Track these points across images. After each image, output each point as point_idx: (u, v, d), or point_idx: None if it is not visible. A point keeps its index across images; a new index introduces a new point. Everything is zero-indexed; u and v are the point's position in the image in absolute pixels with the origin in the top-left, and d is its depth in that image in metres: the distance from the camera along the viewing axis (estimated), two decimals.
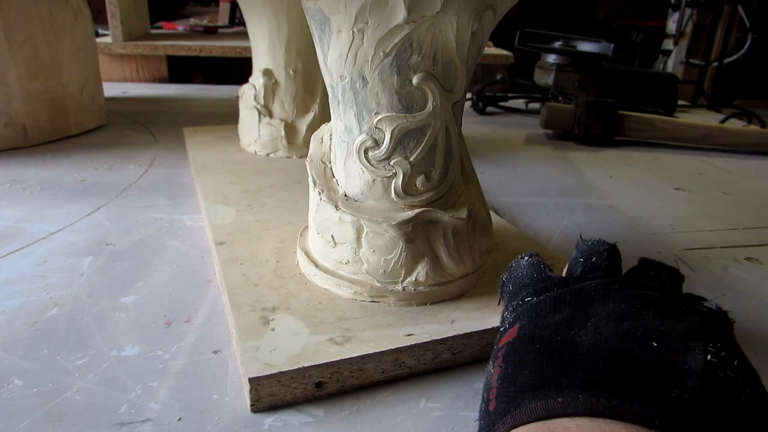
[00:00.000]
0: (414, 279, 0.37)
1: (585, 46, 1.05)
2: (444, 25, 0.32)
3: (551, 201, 0.63)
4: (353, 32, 0.32)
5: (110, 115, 0.93)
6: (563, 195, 0.65)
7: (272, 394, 0.31)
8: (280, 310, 0.36)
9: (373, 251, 0.37)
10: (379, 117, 0.35)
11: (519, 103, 1.17)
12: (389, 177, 0.36)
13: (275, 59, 0.68)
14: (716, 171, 0.78)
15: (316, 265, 0.39)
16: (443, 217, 0.36)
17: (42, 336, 0.37)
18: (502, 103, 1.14)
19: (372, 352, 0.32)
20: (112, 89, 1.15)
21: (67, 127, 0.82)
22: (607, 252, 0.30)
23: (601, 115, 0.86)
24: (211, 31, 1.55)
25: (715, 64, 1.88)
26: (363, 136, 0.35)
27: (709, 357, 0.21)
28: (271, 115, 0.70)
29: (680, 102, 1.18)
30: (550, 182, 0.70)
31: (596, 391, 0.20)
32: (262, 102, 0.69)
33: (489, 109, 1.12)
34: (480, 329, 0.35)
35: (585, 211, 0.61)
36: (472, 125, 1.01)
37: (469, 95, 1.18)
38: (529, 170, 0.75)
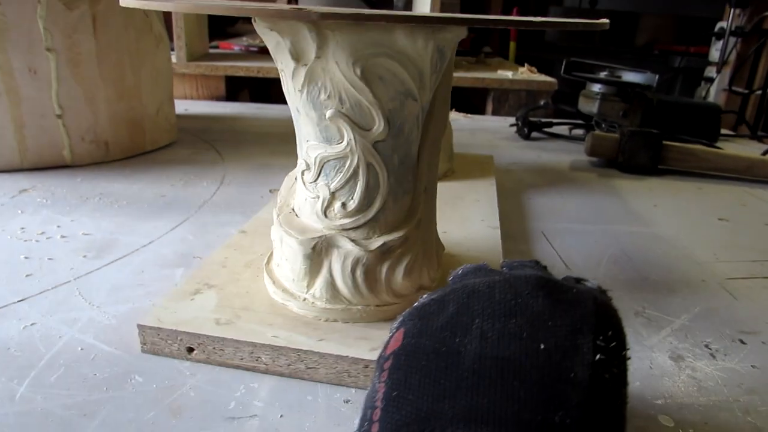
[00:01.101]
0: (313, 293, 0.41)
1: (630, 77, 1.08)
2: (332, 70, 0.35)
3: (598, 228, 0.67)
4: (280, 71, 0.38)
5: (178, 132, 1.00)
6: (609, 222, 0.69)
7: (154, 343, 0.40)
8: (214, 290, 0.44)
9: (286, 259, 0.42)
10: (308, 144, 0.39)
11: (563, 129, 1.20)
12: (314, 198, 0.40)
13: None
14: (759, 202, 0.80)
15: (267, 263, 0.46)
16: (347, 244, 0.39)
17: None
18: (546, 129, 1.17)
19: (231, 338, 0.38)
20: (175, 106, 1.22)
21: (143, 144, 0.88)
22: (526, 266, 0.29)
23: (645, 145, 0.89)
24: (264, 51, 1.63)
25: (759, 92, 1.88)
26: (301, 160, 0.41)
27: (597, 356, 0.21)
28: None
29: (722, 131, 1.20)
30: (596, 209, 0.74)
31: (479, 425, 0.19)
32: None
33: (533, 134, 1.16)
34: (335, 353, 0.37)
35: (631, 238, 0.64)
36: (517, 150, 1.05)
37: (513, 120, 1.22)
38: (575, 197, 0.78)
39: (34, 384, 0.36)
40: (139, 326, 0.40)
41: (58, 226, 0.60)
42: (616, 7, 3.03)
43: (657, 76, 1.03)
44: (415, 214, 0.41)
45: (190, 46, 1.37)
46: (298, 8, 0.32)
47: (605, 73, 1.10)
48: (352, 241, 0.39)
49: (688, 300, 0.51)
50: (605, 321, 0.23)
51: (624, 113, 1.07)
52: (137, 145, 0.87)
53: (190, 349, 0.39)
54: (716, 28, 1.98)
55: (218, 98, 1.42)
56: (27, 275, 0.50)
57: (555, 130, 1.19)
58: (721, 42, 1.92)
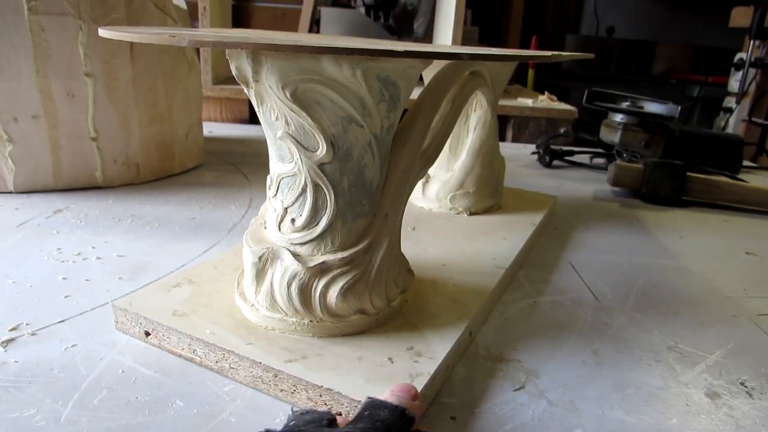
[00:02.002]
0: (258, 300, 0.43)
1: (652, 107, 1.09)
2: (270, 93, 0.37)
3: (625, 259, 0.67)
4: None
5: (204, 154, 1.01)
6: (636, 254, 0.69)
7: (122, 323, 0.46)
8: (192, 286, 0.49)
9: (244, 263, 0.45)
10: (271, 161, 0.43)
11: (583, 157, 1.21)
12: (273, 212, 0.43)
13: None
14: None
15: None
16: (288, 258, 0.41)
17: (191, 363, 0.43)
18: (567, 158, 1.18)
19: (176, 328, 0.42)
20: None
21: (171, 167, 0.90)
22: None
23: (669, 176, 0.90)
24: None
25: None
26: (268, 175, 0.44)
27: None
28: None
29: (743, 162, 1.20)
30: (621, 240, 0.74)
31: None
32: None
33: (554, 162, 1.16)
34: (252, 358, 0.39)
35: (659, 271, 0.64)
36: (539, 178, 1.05)
37: (534, 148, 1.23)
38: (601, 227, 0.78)
39: (79, 406, 0.37)
40: (113, 306, 0.46)
41: (93, 247, 0.62)
42: (632, 36, 3.04)
43: (679, 108, 1.04)
44: (366, 238, 0.42)
45: (215, 69, 1.39)
46: (239, 38, 0.34)
47: (627, 103, 1.11)
48: (295, 255, 0.41)
49: (720, 335, 0.51)
50: None
51: (646, 143, 1.08)
52: (166, 168, 0.89)
53: (147, 333, 0.44)
54: (735, 59, 1.99)
55: (241, 121, 1.44)
56: (66, 296, 0.51)
57: (576, 158, 1.19)
58: (740, 72, 1.92)
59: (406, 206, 0.70)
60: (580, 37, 3.14)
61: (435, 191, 0.73)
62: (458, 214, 0.72)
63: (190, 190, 0.84)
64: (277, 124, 0.39)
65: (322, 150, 0.38)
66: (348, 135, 0.39)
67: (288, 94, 0.36)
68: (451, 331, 0.43)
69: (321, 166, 0.39)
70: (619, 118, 1.09)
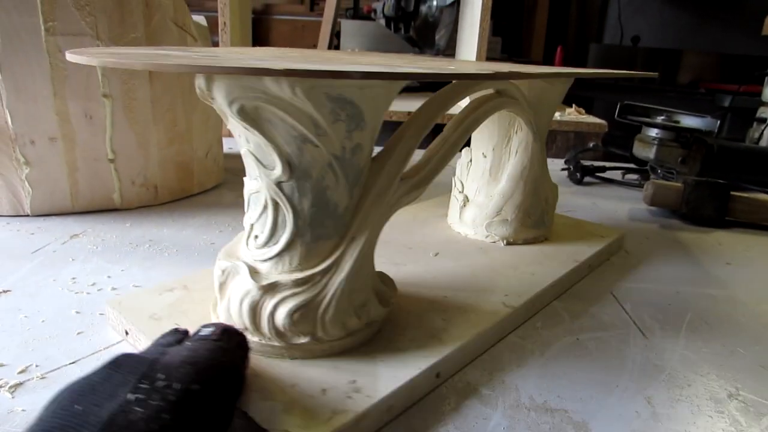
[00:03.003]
0: (219, 313, 0.43)
1: (689, 121, 1.04)
2: (224, 111, 0.37)
3: (670, 289, 0.63)
4: None
5: (224, 173, 0.99)
6: (681, 283, 0.65)
7: (110, 319, 0.49)
8: (184, 292, 0.51)
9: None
10: (246, 177, 0.42)
11: (614, 173, 1.16)
12: (244, 229, 0.43)
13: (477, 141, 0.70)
14: None
15: None
16: (244, 275, 0.40)
17: None
18: (598, 174, 1.14)
19: (144, 331, 0.44)
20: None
21: (190, 187, 0.88)
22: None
23: (711, 196, 0.85)
24: None
25: None
26: None
27: (132, 396, 0.27)
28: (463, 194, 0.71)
29: None
30: (664, 266, 0.69)
31: None
32: (462, 180, 0.71)
33: (585, 179, 1.12)
34: None
35: (708, 303, 0.60)
36: (571, 196, 1.01)
37: (563, 164, 1.19)
38: (640, 251, 0.74)
39: None
40: (107, 302, 0.49)
41: (109, 277, 0.59)
42: (658, 44, 2.99)
43: (718, 122, 0.99)
44: (325, 262, 0.40)
45: None
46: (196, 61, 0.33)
47: (662, 117, 1.06)
48: (253, 272, 0.40)
49: None
50: (160, 369, 0.30)
51: (683, 159, 1.03)
52: (185, 189, 0.87)
53: (126, 332, 0.47)
54: None
55: None
56: (78, 333, 0.48)
57: (607, 174, 1.15)
58: None
59: (439, 230, 0.66)
60: (604, 46, 3.08)
61: (472, 217, 0.68)
62: (494, 242, 0.67)
63: (209, 211, 0.82)
64: (240, 142, 0.39)
65: (278, 168, 0.38)
66: (304, 155, 0.38)
67: (235, 111, 0.36)
68: (408, 370, 0.40)
69: (279, 184, 0.39)
70: (654, 132, 1.05)
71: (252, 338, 0.41)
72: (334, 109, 0.36)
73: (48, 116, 0.71)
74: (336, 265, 0.40)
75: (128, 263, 0.63)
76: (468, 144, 0.69)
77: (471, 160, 0.70)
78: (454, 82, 0.48)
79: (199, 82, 0.37)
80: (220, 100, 0.36)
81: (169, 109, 0.80)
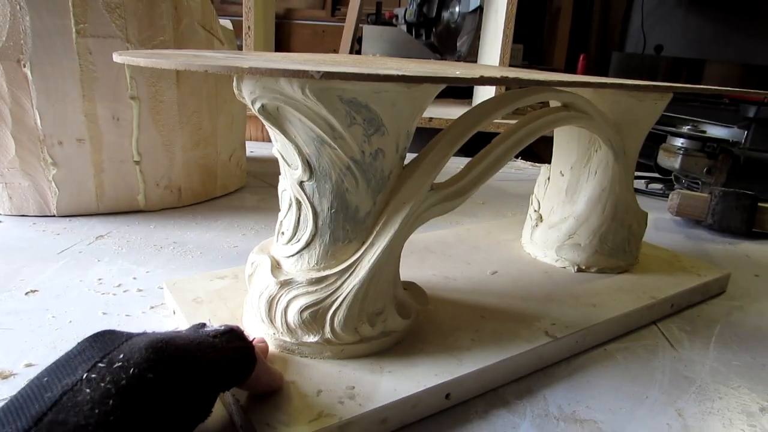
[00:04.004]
0: (246, 302, 0.46)
1: (715, 131, 1.03)
2: (251, 110, 0.38)
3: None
4: None
5: (246, 176, 0.99)
6: None
7: (162, 298, 0.54)
8: (237, 279, 0.54)
9: None
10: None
11: (638, 182, 1.15)
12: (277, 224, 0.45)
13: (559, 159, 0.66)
14: None
15: None
16: (265, 270, 0.42)
17: None
18: None
19: (183, 312, 0.47)
20: None
21: (213, 190, 0.88)
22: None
23: (738, 207, 0.84)
24: None
25: None
26: None
27: (88, 375, 0.26)
28: (537, 213, 0.67)
29: None
30: None
31: None
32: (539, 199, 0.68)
33: None
34: None
35: (738, 315, 0.59)
36: None
37: None
38: None
39: None
40: (165, 282, 0.53)
41: (134, 278, 0.59)
42: (681, 54, 2.96)
43: (745, 132, 0.98)
44: (342, 264, 0.40)
45: None
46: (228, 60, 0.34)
47: (688, 126, 1.05)
48: (273, 267, 0.42)
49: None
50: (125, 349, 0.28)
51: (708, 170, 1.02)
52: (208, 191, 0.87)
53: (174, 312, 0.50)
54: None
55: None
56: None
57: None
58: None
59: (508, 249, 0.65)
60: (627, 55, 3.06)
61: (543, 238, 0.64)
62: (564, 268, 0.62)
63: (233, 214, 0.82)
64: (274, 139, 0.41)
65: (299, 168, 0.39)
66: (322, 156, 0.38)
67: (257, 110, 0.37)
68: (410, 385, 0.39)
69: (301, 184, 0.40)
70: (679, 142, 1.04)
71: (268, 331, 0.42)
72: (349, 113, 0.37)
73: (76, 118, 0.72)
74: (352, 268, 0.40)
75: (153, 265, 0.63)
76: (550, 161, 0.66)
77: (549, 178, 0.66)
78: (508, 92, 0.47)
79: (235, 82, 0.38)
80: (247, 98, 0.37)
81: (195, 112, 0.80)
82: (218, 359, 0.32)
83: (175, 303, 0.49)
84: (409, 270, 0.58)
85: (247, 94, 0.37)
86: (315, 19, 3.03)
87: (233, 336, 0.34)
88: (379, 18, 2.33)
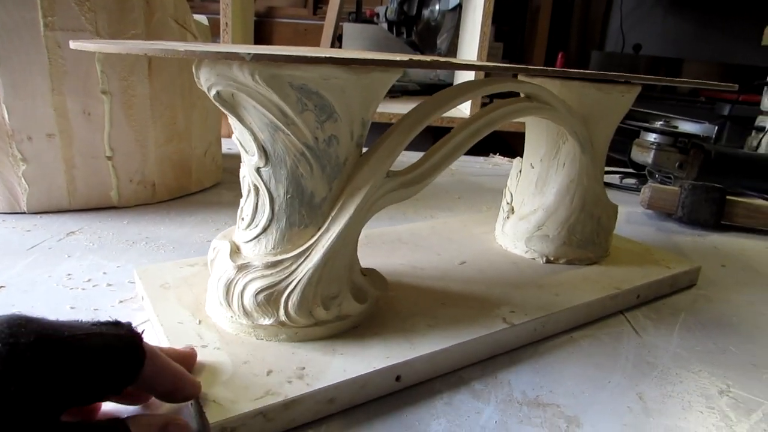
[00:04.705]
0: (208, 287, 0.46)
1: (687, 127, 1.04)
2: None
3: None
4: None
5: (222, 172, 0.99)
6: None
7: (137, 286, 0.54)
8: (207, 266, 0.50)
9: None
10: None
11: (613, 177, 1.17)
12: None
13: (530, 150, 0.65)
14: None
15: None
16: (225, 254, 0.43)
17: None
18: None
19: (148, 296, 0.48)
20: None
21: (188, 186, 0.88)
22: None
23: (708, 200, 0.85)
24: None
25: None
26: None
27: None
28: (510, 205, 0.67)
29: None
30: None
31: None
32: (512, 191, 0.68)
33: None
34: (161, 327, 0.44)
35: (704, 303, 0.60)
36: None
37: None
38: None
39: None
40: (136, 269, 0.54)
41: (105, 273, 0.59)
42: (660, 53, 2.99)
43: (716, 127, 1.00)
44: (297, 249, 0.41)
45: None
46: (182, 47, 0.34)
47: (661, 122, 1.07)
48: (232, 252, 0.43)
49: None
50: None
51: (680, 165, 1.03)
52: (183, 187, 0.87)
53: (142, 298, 0.51)
54: None
55: None
56: None
57: (605, 178, 1.15)
58: None
59: (480, 241, 0.65)
60: (606, 53, 3.09)
61: (513, 229, 0.64)
62: (533, 259, 0.62)
63: (207, 210, 0.82)
64: (233, 128, 0.41)
65: (255, 154, 0.40)
66: (277, 142, 0.39)
67: (213, 96, 0.38)
68: (359, 366, 0.39)
69: (258, 170, 0.41)
70: (652, 137, 1.05)
71: (226, 314, 0.43)
72: (300, 99, 0.37)
73: (46, 112, 0.72)
74: (307, 253, 0.41)
75: (124, 260, 0.63)
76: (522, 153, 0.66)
77: (521, 171, 0.66)
78: (467, 81, 0.48)
79: (194, 70, 0.39)
80: (204, 85, 0.38)
81: (168, 106, 0.80)
82: (92, 344, 0.29)
83: (142, 288, 0.50)
84: (378, 259, 0.59)
85: (204, 81, 0.38)
86: (297, 17, 3.03)
87: (118, 326, 0.32)
88: (359, 16, 2.33)
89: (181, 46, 0.35)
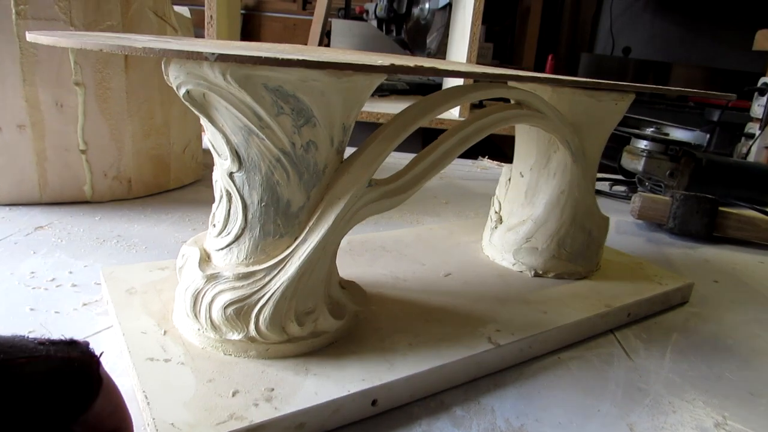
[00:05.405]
0: (175, 297, 0.44)
1: (678, 134, 1.03)
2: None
3: None
4: None
5: (203, 169, 0.96)
6: None
7: (103, 287, 0.52)
8: (172, 272, 0.52)
9: None
10: None
11: (603, 185, 1.15)
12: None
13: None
14: None
15: None
16: (193, 262, 0.40)
17: None
18: None
19: (113, 301, 0.46)
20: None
21: (167, 182, 0.84)
22: None
23: (699, 211, 0.83)
24: None
25: None
26: None
27: None
28: (498, 215, 0.64)
29: None
30: None
31: None
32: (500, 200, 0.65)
33: None
34: (125, 340, 0.41)
35: (694, 322, 0.58)
36: None
37: None
38: None
39: None
40: (102, 269, 0.51)
41: (70, 272, 0.56)
42: (648, 57, 2.99)
43: (707, 136, 0.98)
44: (271, 260, 0.39)
45: None
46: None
47: (652, 129, 1.05)
48: (202, 260, 0.40)
49: None
50: None
51: (671, 173, 1.02)
52: (161, 184, 0.84)
53: (107, 302, 0.48)
54: (759, 83, 1.92)
55: None
56: (29, 332, 0.45)
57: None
58: (764, 98, 1.85)
59: (467, 252, 0.62)
60: (595, 56, 3.08)
61: (501, 240, 0.61)
62: (521, 272, 0.59)
63: (185, 208, 0.79)
64: (205, 129, 0.39)
65: (227, 158, 0.38)
66: (251, 147, 0.37)
67: (183, 96, 0.36)
68: (333, 390, 0.37)
69: (231, 175, 0.38)
70: (642, 144, 1.03)
71: (193, 326, 0.40)
72: (275, 102, 0.35)
73: (16, 103, 0.68)
74: (281, 265, 0.39)
75: (92, 259, 0.60)
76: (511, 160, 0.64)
77: (510, 179, 0.63)
78: (454, 86, 0.45)
79: (163, 67, 0.36)
80: (173, 83, 0.36)
81: (146, 101, 0.77)
82: (33, 370, 0.25)
83: (107, 292, 0.48)
84: (359, 268, 0.56)
85: (173, 78, 0.35)
86: (286, 12, 2.99)
87: (72, 346, 0.27)
88: (348, 12, 2.30)
89: (143, 41, 0.32)
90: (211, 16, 1.26)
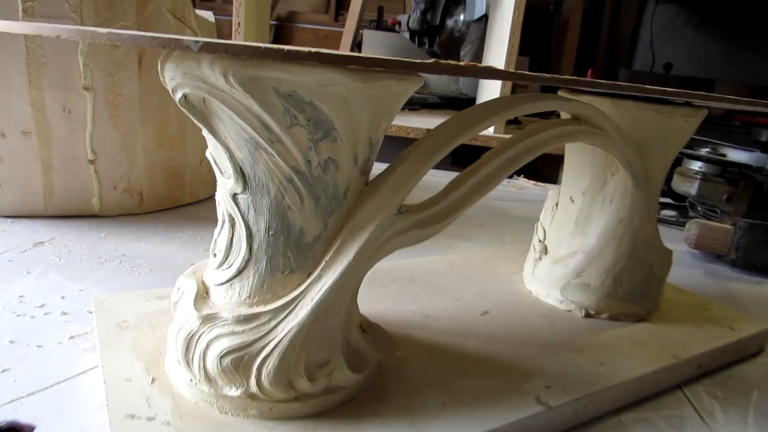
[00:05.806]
0: (168, 337, 0.38)
1: (736, 155, 0.94)
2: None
3: None
4: None
5: None
6: None
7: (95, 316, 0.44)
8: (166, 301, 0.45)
9: None
10: None
11: None
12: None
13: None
14: None
15: None
16: (189, 300, 0.34)
17: None
18: None
19: (101, 337, 0.40)
20: None
21: (181, 197, 0.79)
22: None
23: (767, 241, 0.75)
24: None
25: None
26: None
27: None
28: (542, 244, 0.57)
29: None
30: None
31: None
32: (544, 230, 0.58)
33: None
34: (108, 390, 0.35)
35: None
36: None
37: None
38: None
39: None
40: (94, 297, 0.46)
41: (62, 297, 0.50)
42: (690, 73, 2.88)
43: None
44: (278, 301, 0.32)
45: None
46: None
47: (707, 149, 0.96)
48: (198, 297, 0.34)
49: None
50: None
51: (728, 197, 0.93)
52: (174, 198, 0.78)
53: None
54: None
55: None
56: (3, 370, 0.39)
57: None
58: None
59: (506, 284, 0.56)
60: (635, 72, 2.98)
61: (546, 274, 0.54)
62: (568, 311, 0.52)
63: (199, 225, 0.73)
64: (207, 138, 0.33)
65: (230, 176, 0.32)
66: (258, 164, 0.31)
67: (179, 100, 0.30)
68: None
69: (234, 197, 0.33)
70: (696, 166, 0.95)
71: (185, 375, 0.34)
72: (288, 110, 0.29)
73: (21, 107, 0.64)
74: (291, 306, 0.32)
75: (90, 281, 0.54)
76: (555, 180, 0.57)
77: (557, 204, 0.56)
78: (497, 98, 0.39)
79: (159, 67, 0.31)
80: (168, 86, 0.31)
81: (160, 108, 0.71)
82: None
83: (95, 325, 0.42)
84: (383, 304, 0.49)
85: (168, 80, 0.30)
86: (318, 23, 2.96)
87: None
88: (381, 24, 2.25)
89: (119, 31, 0.26)
90: (239, 23, 1.21)
